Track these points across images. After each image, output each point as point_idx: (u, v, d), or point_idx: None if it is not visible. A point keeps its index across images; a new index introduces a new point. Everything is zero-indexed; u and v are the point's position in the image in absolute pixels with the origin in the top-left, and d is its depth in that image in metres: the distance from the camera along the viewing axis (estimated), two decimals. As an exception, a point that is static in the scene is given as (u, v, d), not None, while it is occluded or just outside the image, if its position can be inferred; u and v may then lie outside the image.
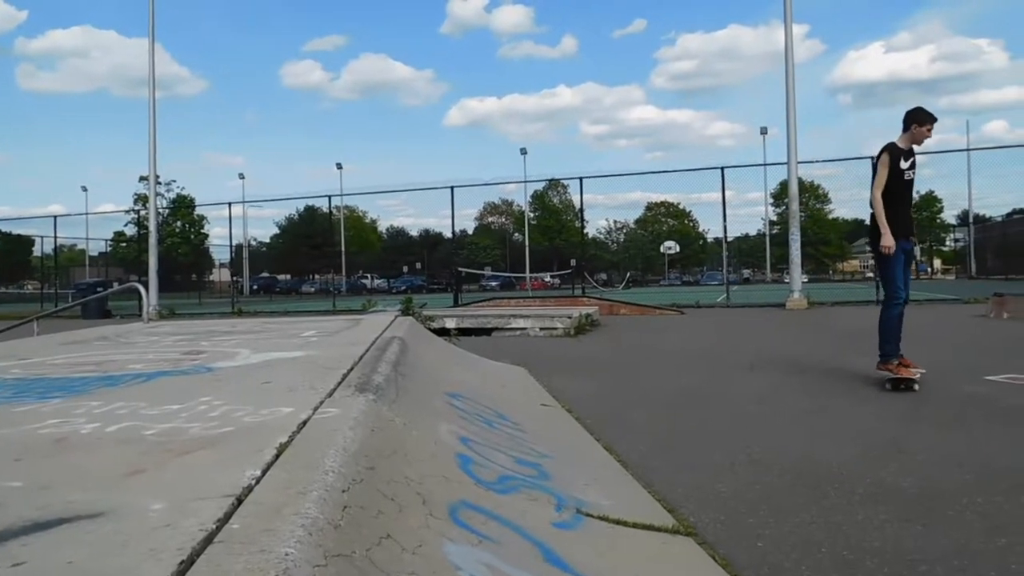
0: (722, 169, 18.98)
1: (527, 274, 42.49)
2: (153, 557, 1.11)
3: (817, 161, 19.83)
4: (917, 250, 6.49)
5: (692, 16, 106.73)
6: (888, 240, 5.24)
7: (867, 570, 2.18)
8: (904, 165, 5.38)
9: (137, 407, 2.32)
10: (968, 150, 21.80)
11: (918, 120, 5.32)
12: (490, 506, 2.01)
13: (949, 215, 60.16)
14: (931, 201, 58.65)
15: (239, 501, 1.31)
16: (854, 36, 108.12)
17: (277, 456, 1.59)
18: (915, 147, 5.46)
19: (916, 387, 5.10)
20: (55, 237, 28.44)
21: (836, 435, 3.97)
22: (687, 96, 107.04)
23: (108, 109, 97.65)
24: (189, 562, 1.10)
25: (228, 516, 1.23)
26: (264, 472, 1.48)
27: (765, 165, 25.05)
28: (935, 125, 5.34)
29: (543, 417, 4.41)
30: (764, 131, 54.01)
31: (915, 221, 5.62)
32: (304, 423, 1.92)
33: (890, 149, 5.35)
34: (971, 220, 52.51)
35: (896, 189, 5.37)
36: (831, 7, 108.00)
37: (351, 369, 3.03)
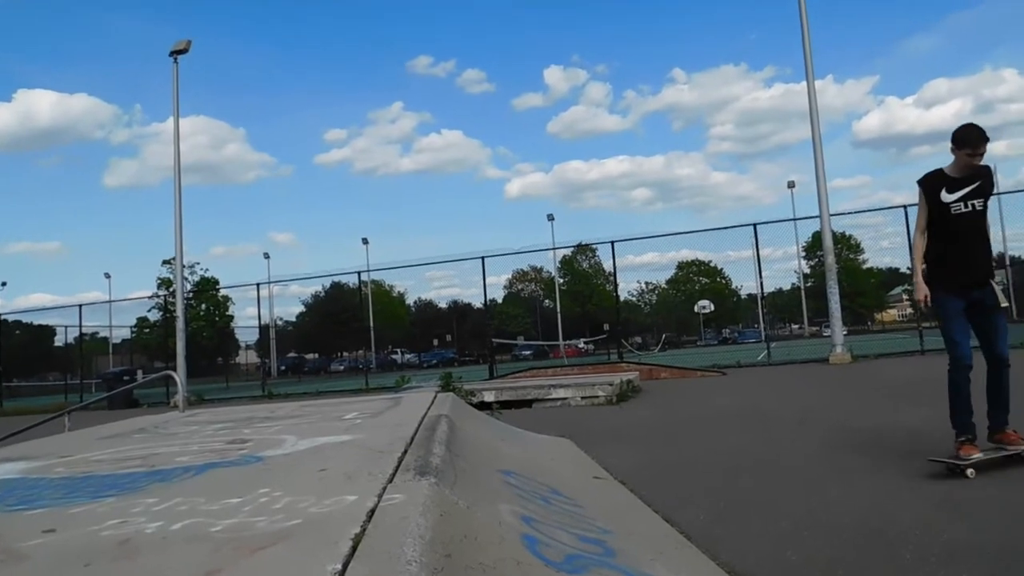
0: (755, 226, 18.94)
1: (560, 341, 42.30)
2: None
3: (848, 213, 19.76)
4: (1000, 293, 4.12)
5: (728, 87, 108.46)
6: (918, 291, 4.47)
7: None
8: (949, 197, 4.38)
9: (196, 503, 2.27)
10: (999, 194, 21.52)
11: (956, 142, 4.39)
12: (564, 589, 1.92)
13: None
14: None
15: (326, 600, 1.25)
16: (889, 86, 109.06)
17: (354, 548, 1.54)
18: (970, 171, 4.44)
19: (970, 473, 4.05)
20: (80, 326, 27.66)
21: (900, 494, 3.80)
22: (723, 158, 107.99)
23: (132, 197, 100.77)
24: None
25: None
26: (345, 566, 1.42)
27: (796, 220, 24.89)
28: (987, 145, 4.36)
29: (597, 490, 4.29)
30: (792, 184, 54.12)
31: (990, 261, 4.55)
32: (372, 511, 1.87)
33: (924, 180, 4.52)
34: (1008, 263, 51.54)
35: (943, 226, 4.43)
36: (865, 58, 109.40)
37: (405, 451, 2.97)
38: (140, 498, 2.47)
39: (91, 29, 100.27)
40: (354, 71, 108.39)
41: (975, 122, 4.46)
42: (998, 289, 4.32)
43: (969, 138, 4.32)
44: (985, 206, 4.39)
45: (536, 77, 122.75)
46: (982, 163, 4.40)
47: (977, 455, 4.15)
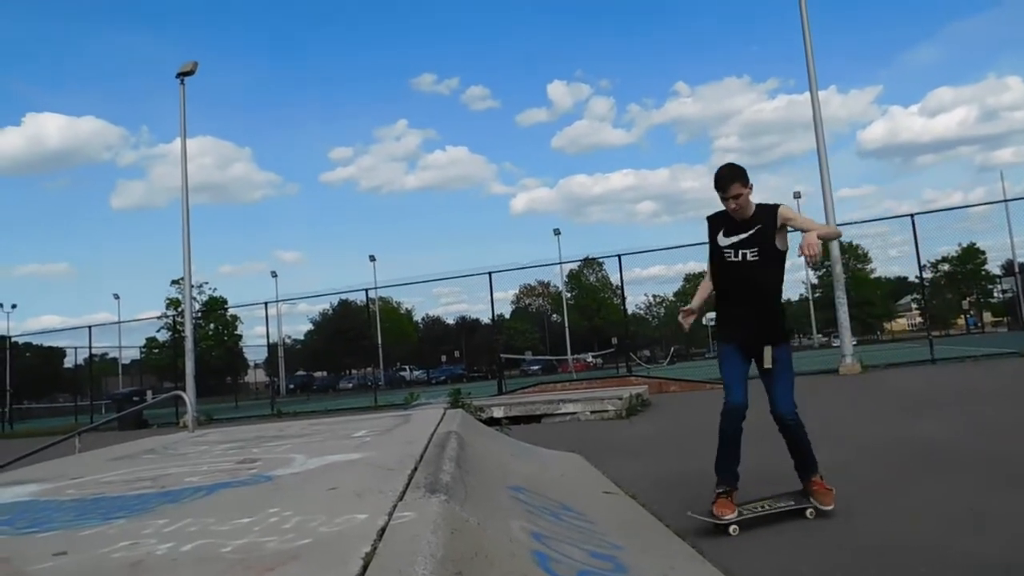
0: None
1: (569, 356, 42.21)
2: None
3: (854, 223, 19.74)
4: (769, 357, 3.87)
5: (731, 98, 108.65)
6: (683, 319, 4.18)
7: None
8: (725, 241, 3.88)
9: (206, 523, 2.27)
10: (1006, 200, 21.51)
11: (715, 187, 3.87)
12: (577, 607, 1.91)
13: (994, 266, 58.93)
14: (973, 253, 57.65)
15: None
16: (893, 96, 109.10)
17: (365, 567, 1.53)
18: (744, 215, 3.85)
19: (732, 531, 3.66)
20: (90, 347, 27.62)
21: (915, 507, 3.76)
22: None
23: (140, 219, 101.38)
24: None
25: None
26: (356, 587, 1.42)
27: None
28: (744, 189, 3.79)
29: (607, 505, 4.27)
30: (798, 195, 54.05)
31: (766, 322, 3.91)
32: (383, 529, 1.86)
33: (710, 217, 4.03)
34: (1016, 270, 51.30)
35: (722, 271, 3.96)
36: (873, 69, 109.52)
37: (415, 469, 2.96)
38: (151, 519, 2.46)
39: (98, 52, 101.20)
40: (359, 89, 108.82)
41: (734, 165, 3.90)
42: (768, 353, 3.85)
43: (715, 181, 3.83)
44: (766, 256, 3.82)
45: (540, 92, 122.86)
46: (770, 203, 3.91)
47: (730, 515, 3.69)
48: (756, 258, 3.80)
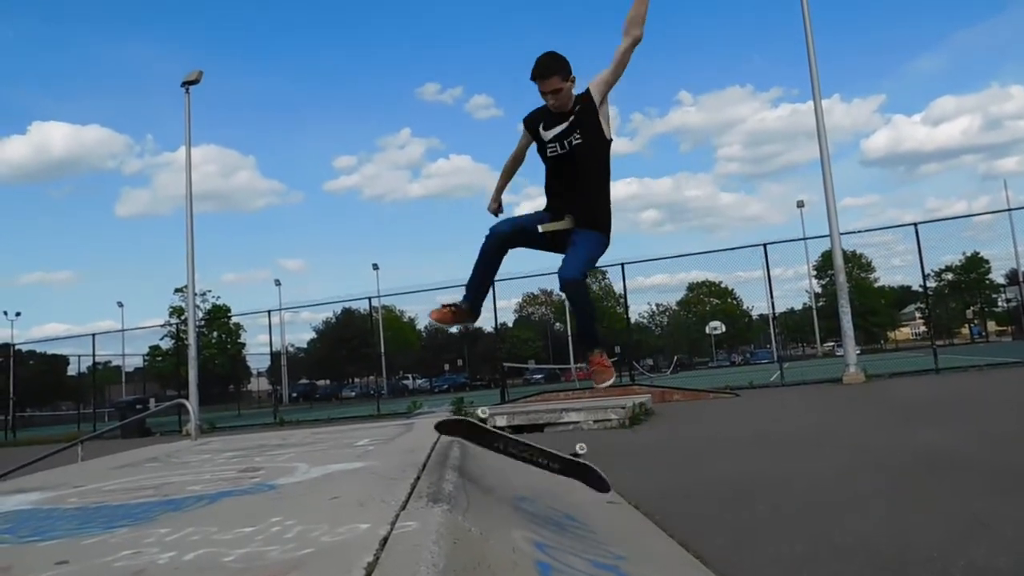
0: (764, 246, 18.87)
1: (572, 364, 42.12)
2: None
3: (858, 232, 19.76)
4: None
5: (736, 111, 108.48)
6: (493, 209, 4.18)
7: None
8: (547, 134, 3.74)
9: (208, 532, 2.27)
10: (1010, 210, 21.48)
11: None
12: (580, 618, 1.90)
13: (998, 275, 58.80)
14: (977, 262, 57.54)
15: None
16: (896, 104, 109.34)
17: (367, 578, 1.53)
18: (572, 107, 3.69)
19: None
20: (93, 355, 27.56)
21: (918, 515, 3.75)
22: (734, 179, 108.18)
23: (144, 227, 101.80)
24: None
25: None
26: (358, 597, 1.41)
27: (806, 239, 24.78)
28: (552, 82, 3.59)
29: (611, 515, 4.25)
30: (801, 204, 54.05)
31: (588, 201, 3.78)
32: (385, 539, 1.86)
33: (527, 117, 3.91)
34: (1021, 279, 51.19)
35: (549, 169, 3.86)
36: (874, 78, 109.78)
37: (418, 478, 2.95)
38: (153, 528, 2.46)
39: (103, 60, 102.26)
40: (363, 98, 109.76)
41: (555, 54, 3.66)
42: (564, 223, 3.76)
43: (533, 72, 3.62)
44: (590, 136, 3.68)
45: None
46: (579, 91, 3.70)
47: (445, 321, 3.96)
48: (579, 140, 3.66)
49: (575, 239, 3.74)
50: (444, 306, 3.94)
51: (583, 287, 3.79)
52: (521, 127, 3.92)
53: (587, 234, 3.76)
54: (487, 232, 3.84)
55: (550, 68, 3.57)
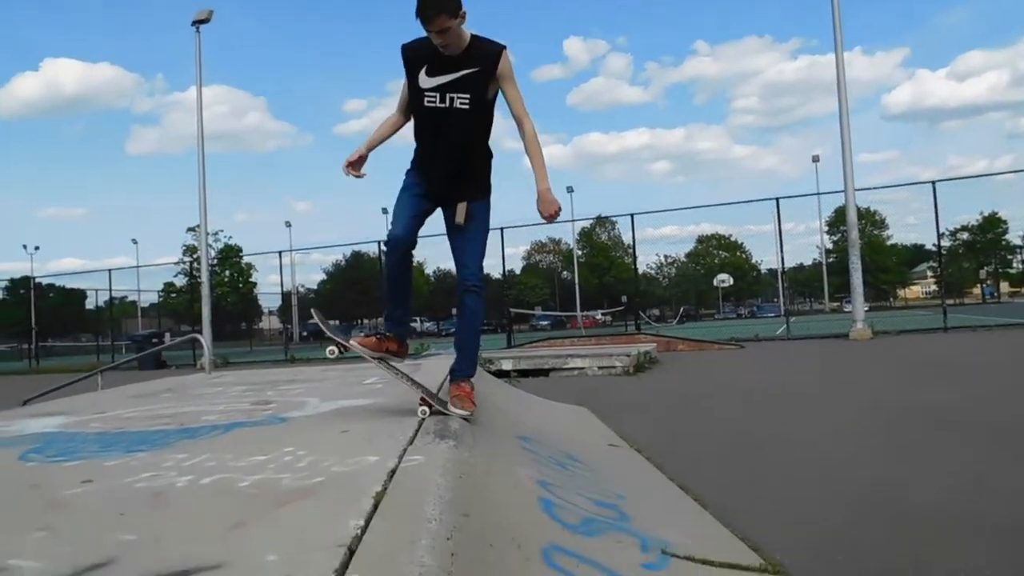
0: (777, 200, 18.71)
1: (578, 312, 42.30)
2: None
3: (874, 188, 19.51)
4: (463, 212, 3.22)
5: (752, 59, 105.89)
6: (349, 169, 3.42)
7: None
8: (428, 82, 3.14)
9: (224, 459, 2.36)
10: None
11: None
12: (578, 549, 1.99)
13: (1015, 236, 58.16)
14: (995, 223, 56.89)
15: (351, 551, 1.32)
16: (920, 59, 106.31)
17: (375, 506, 1.60)
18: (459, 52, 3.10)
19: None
20: (110, 290, 28.30)
21: (918, 468, 3.82)
22: (749, 132, 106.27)
23: (155, 165, 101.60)
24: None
25: (345, 566, 1.24)
26: (367, 522, 1.49)
27: (819, 194, 24.56)
28: (438, 20, 2.95)
29: (613, 457, 4.35)
30: (816, 158, 53.26)
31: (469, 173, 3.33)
32: (393, 471, 1.93)
33: (407, 47, 3.21)
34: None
35: (418, 116, 3.27)
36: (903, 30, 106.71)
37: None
38: (171, 453, 2.56)
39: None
40: (374, 41, 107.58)
41: None
42: (463, 209, 3.28)
43: (417, 7, 2.98)
44: (478, 105, 3.16)
45: (556, 48, 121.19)
46: (493, 41, 3.19)
47: (367, 351, 3.39)
48: (466, 106, 3.13)
49: (472, 216, 3.30)
50: (368, 334, 3.48)
51: (481, 285, 3.37)
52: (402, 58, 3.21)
53: (478, 210, 3.33)
54: (384, 245, 3.32)
55: (434, 4, 2.95)
